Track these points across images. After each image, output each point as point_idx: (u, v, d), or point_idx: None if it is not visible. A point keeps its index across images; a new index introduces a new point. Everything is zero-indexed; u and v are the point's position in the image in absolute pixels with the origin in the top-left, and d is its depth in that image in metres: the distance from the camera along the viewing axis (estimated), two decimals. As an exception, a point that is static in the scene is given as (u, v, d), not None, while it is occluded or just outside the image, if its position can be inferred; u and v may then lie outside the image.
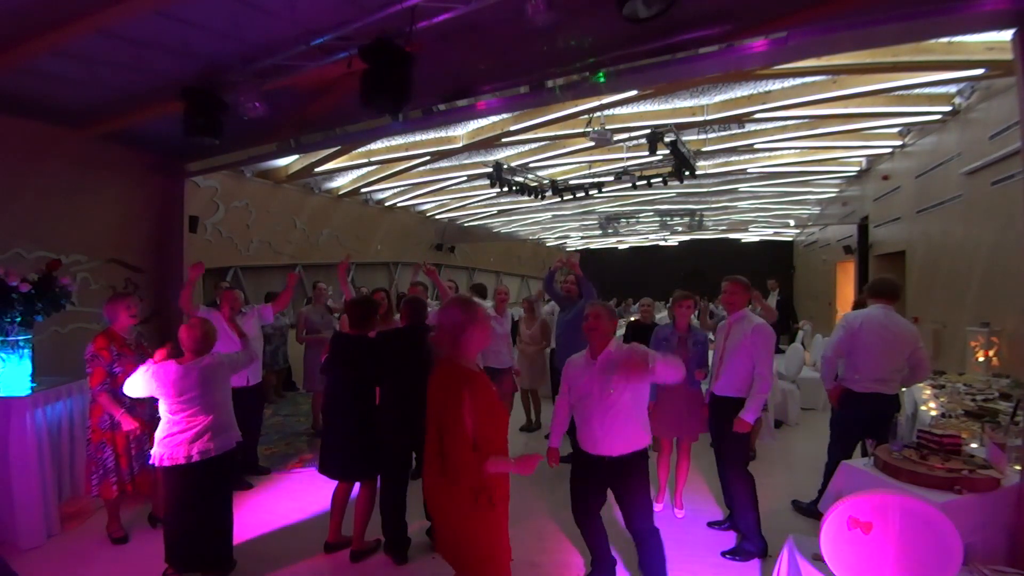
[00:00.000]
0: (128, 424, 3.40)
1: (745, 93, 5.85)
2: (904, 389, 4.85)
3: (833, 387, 3.84)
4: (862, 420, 3.52)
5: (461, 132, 6.83)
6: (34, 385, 3.75)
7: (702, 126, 6.55)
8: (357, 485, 3.48)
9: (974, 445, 2.92)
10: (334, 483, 3.48)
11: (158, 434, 3.03)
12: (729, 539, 3.53)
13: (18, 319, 3.68)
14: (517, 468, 2.14)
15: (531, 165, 8.22)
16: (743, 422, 3.28)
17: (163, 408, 3.02)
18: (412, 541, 3.44)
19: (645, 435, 2.84)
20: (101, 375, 3.43)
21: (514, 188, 8.05)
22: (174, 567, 3.03)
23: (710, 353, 4.15)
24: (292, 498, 4.32)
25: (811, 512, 3.73)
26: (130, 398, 3.17)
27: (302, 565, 3.35)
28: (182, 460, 2.94)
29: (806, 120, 6.65)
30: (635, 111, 6.35)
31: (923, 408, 3.82)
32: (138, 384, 3.00)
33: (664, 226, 14.09)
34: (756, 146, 7.55)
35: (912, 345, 3.61)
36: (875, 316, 3.68)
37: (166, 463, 2.97)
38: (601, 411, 2.75)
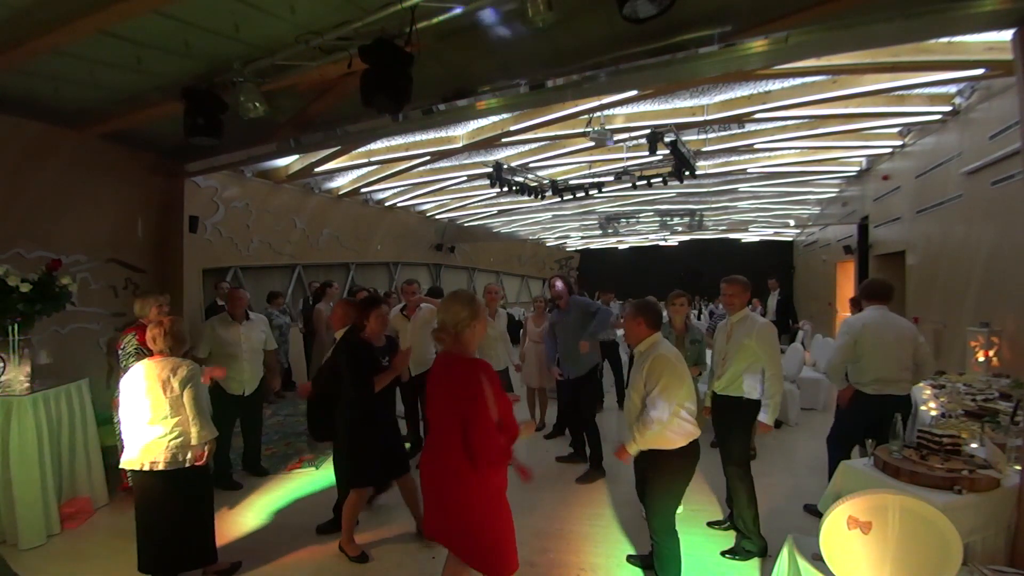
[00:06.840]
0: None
1: (745, 93, 5.84)
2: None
3: (844, 388, 3.83)
4: (870, 422, 3.39)
5: (461, 132, 6.83)
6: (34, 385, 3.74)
7: (702, 126, 6.54)
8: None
9: (974, 445, 2.92)
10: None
11: None
12: (729, 539, 3.53)
13: (18, 319, 3.68)
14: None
15: (531, 165, 8.22)
16: (765, 425, 3.41)
17: None
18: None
19: (666, 436, 2.76)
20: None
21: (514, 188, 8.05)
22: (146, 570, 2.92)
23: (708, 352, 4.15)
24: (292, 498, 4.31)
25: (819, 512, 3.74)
26: None
27: (301, 565, 3.35)
28: (137, 466, 2.84)
29: (806, 120, 6.64)
30: (635, 111, 6.34)
31: (923, 408, 3.82)
32: None
33: (664, 226, 14.09)
34: (756, 146, 7.55)
35: (914, 342, 3.62)
36: (874, 318, 3.69)
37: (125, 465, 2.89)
38: (628, 398, 2.97)
